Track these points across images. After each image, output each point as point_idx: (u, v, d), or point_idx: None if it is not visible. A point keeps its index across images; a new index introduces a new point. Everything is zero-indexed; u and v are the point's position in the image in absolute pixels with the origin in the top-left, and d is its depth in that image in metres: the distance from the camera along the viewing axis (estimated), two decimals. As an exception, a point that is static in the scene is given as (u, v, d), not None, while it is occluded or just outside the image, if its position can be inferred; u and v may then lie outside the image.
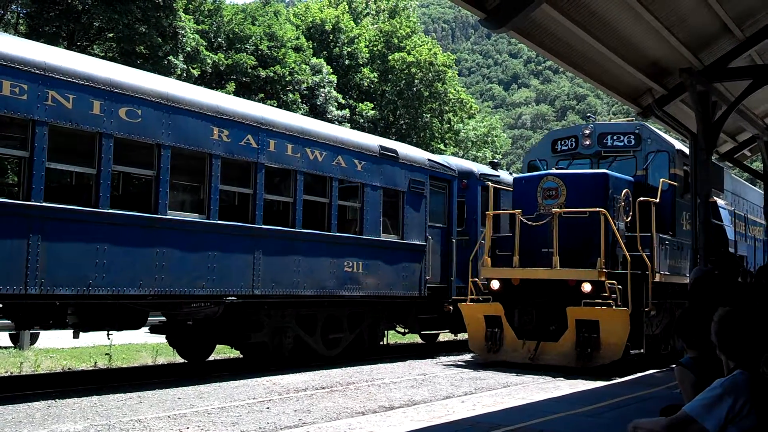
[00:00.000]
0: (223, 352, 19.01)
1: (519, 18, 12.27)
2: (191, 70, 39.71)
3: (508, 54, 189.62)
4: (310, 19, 52.33)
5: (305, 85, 44.92)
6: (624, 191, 17.01)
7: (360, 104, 49.85)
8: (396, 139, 29.92)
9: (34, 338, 20.64)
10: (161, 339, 18.01)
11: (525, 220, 17.26)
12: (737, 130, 23.58)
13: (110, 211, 12.68)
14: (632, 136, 18.99)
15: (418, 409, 11.29)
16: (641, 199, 16.94)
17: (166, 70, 35.73)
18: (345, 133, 18.69)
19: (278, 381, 14.13)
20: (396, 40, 54.28)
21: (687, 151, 18.50)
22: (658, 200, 17.00)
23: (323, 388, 13.41)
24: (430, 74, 53.80)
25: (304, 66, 45.52)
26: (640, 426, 4.90)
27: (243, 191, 15.68)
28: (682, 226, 18.34)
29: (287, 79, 43.94)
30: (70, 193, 14.94)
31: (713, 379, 4.73)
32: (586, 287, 15.88)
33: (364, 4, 58.46)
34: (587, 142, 19.63)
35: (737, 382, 4.53)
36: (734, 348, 4.74)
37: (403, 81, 53.29)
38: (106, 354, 17.27)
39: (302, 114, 34.76)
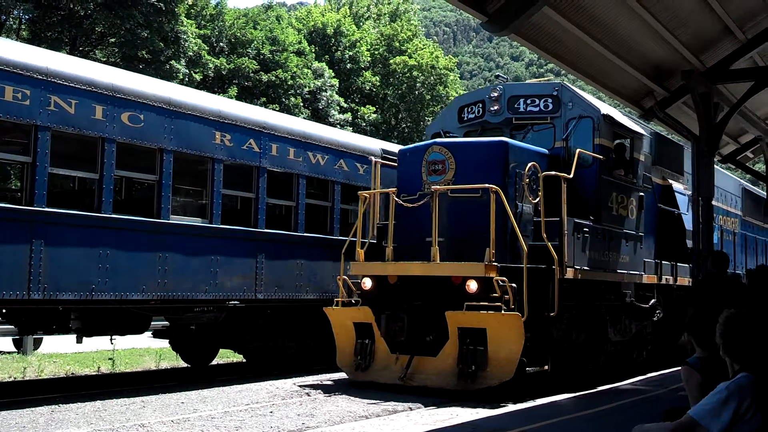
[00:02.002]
0: (226, 356, 19.00)
1: (520, 21, 12.47)
2: (193, 74, 40.18)
3: (509, 57, 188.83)
4: (312, 23, 53.12)
5: (307, 89, 45.28)
6: (530, 165, 13.65)
7: (362, 108, 50.66)
8: (398, 143, 29.98)
9: (37, 343, 20.69)
10: (164, 344, 18.00)
11: (400, 202, 14.23)
12: (739, 131, 23.48)
13: (113, 216, 12.82)
14: (549, 100, 15.67)
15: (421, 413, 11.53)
16: (545, 174, 13.70)
17: (168, 75, 36.19)
18: (347, 137, 19.06)
19: (281, 385, 14.29)
20: (397, 44, 54.82)
21: (620, 117, 16.15)
22: (571, 176, 13.91)
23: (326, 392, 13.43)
24: (431, 77, 54.75)
25: (306, 70, 45.96)
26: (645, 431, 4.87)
27: (245, 195, 15.86)
28: (612, 210, 15.25)
29: (289, 83, 44.36)
30: (73, 198, 15.29)
31: (721, 379, 4.76)
32: (472, 286, 12.82)
33: (365, 8, 58.73)
34: (495, 108, 16.13)
35: (742, 385, 4.55)
36: (739, 350, 4.77)
37: (405, 84, 54.36)
38: (110, 359, 17.44)
39: (304, 118, 34.80)
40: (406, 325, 13.35)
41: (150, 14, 36.80)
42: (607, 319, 15.03)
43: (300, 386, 13.80)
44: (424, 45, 55.76)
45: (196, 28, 42.06)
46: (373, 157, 15.88)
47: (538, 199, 13.51)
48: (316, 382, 14.54)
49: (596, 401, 12.57)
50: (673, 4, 14.63)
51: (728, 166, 27.26)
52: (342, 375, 14.95)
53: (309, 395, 13.07)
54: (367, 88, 52.03)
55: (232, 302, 14.69)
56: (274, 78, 44.05)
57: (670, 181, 18.92)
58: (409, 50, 54.00)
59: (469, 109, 16.59)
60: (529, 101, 15.81)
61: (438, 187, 13.51)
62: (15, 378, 15.22)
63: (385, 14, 58.37)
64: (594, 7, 13.69)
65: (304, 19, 54.37)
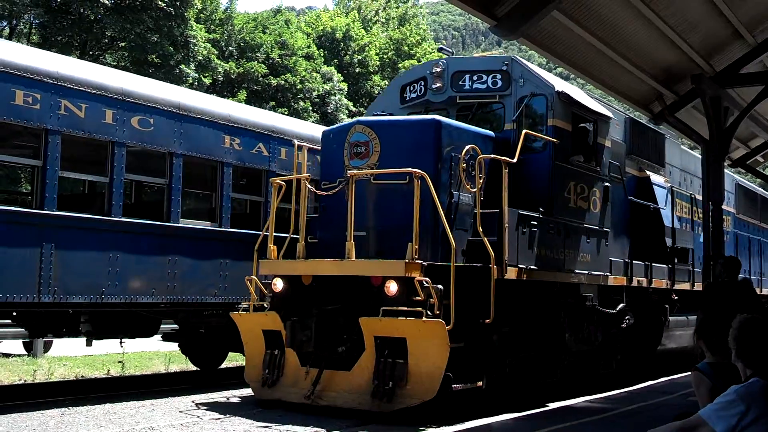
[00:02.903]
0: (235, 359, 19.03)
1: (529, 25, 12.33)
2: (203, 78, 39.56)
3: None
4: (321, 28, 51.88)
5: (316, 93, 44.62)
6: (468, 149, 11.53)
7: (371, 112, 49.34)
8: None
9: (47, 346, 20.43)
10: (174, 347, 17.92)
11: (312, 189, 12.36)
12: (750, 136, 22.90)
13: (123, 219, 12.62)
14: (498, 76, 13.39)
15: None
16: (483, 157, 11.60)
17: (178, 79, 35.51)
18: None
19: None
20: (406, 48, 53.86)
21: (580, 96, 13.82)
22: (514, 160, 11.86)
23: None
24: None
25: (314, 74, 45.04)
26: None
27: (254, 199, 15.47)
28: (568, 201, 12.99)
29: (298, 87, 43.57)
30: (83, 201, 15.00)
31: (731, 385, 4.66)
32: (391, 288, 10.70)
33: (374, 13, 58.45)
34: (437, 85, 13.80)
35: (753, 390, 4.48)
36: (753, 355, 4.70)
37: (414, 88, 52.82)
38: (119, 362, 17.00)
39: (313, 122, 34.81)
40: (313, 334, 11.11)
41: (160, 19, 36.26)
42: (564, 327, 12.83)
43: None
44: (432, 49, 55.12)
45: (206, 32, 41.14)
46: (296, 140, 13.81)
47: (477, 188, 11.42)
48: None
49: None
50: (682, 8, 14.36)
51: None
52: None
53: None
54: (376, 92, 51.75)
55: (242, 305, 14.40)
56: (283, 82, 42.97)
57: (648, 172, 16.68)
58: (417, 54, 53.48)
59: (411, 88, 14.29)
60: (475, 78, 13.55)
61: (354, 171, 11.37)
62: (25, 381, 14.98)
63: (393, 18, 57.31)
64: (603, 11, 13.48)
65: (313, 23, 53.11)
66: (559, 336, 12.88)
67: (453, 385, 10.64)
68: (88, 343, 15.61)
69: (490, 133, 12.96)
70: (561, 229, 12.72)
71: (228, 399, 12.70)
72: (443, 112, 13.39)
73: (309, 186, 12.16)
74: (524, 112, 13.13)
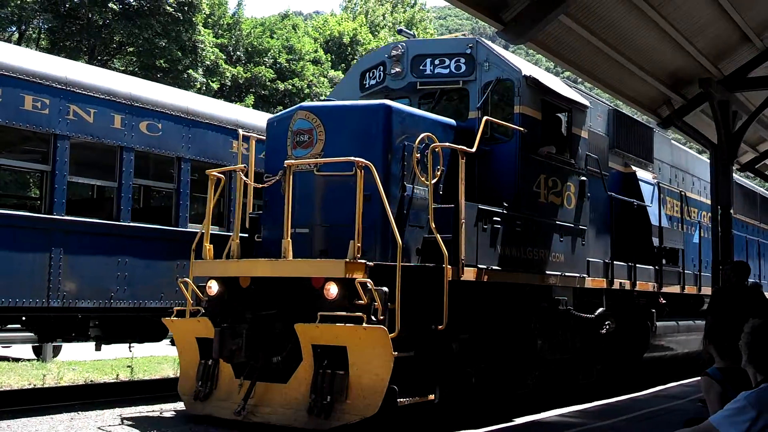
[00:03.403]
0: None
1: (536, 29, 11.80)
2: (210, 83, 38.81)
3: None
4: (328, 32, 50.51)
5: (324, 97, 43.71)
6: (423, 137, 9.91)
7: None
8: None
9: (56, 351, 19.98)
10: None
11: (247, 180, 10.82)
12: (758, 140, 22.24)
13: (132, 224, 12.25)
14: (462, 59, 11.73)
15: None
16: (437, 145, 9.93)
17: (186, 84, 35.00)
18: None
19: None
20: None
21: (552, 82, 12.15)
22: (473, 149, 10.29)
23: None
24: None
25: (322, 78, 43.95)
26: None
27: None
28: (538, 196, 11.37)
29: (306, 91, 42.41)
30: (92, 206, 14.54)
31: (742, 390, 4.52)
32: (332, 290, 9.19)
33: (381, 17, 57.11)
34: (396, 70, 12.05)
35: (764, 396, 4.31)
36: (764, 360, 4.58)
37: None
38: (128, 366, 16.36)
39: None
40: (244, 342, 9.53)
41: (168, 24, 35.94)
42: (536, 333, 11.33)
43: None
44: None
45: (214, 37, 40.34)
46: (242, 130, 12.23)
47: (435, 180, 9.98)
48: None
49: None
50: (690, 12, 13.80)
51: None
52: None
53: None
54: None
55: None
56: (290, 87, 41.99)
57: (634, 168, 14.99)
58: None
59: (371, 74, 12.56)
60: (437, 62, 11.89)
61: (291, 162, 9.79)
62: (35, 385, 14.44)
63: (401, 23, 56.06)
64: (611, 15, 12.94)
65: (320, 27, 51.93)
66: (530, 343, 11.36)
67: (399, 399, 9.10)
68: (97, 348, 15.16)
69: (451, 121, 11.31)
70: (530, 227, 11.12)
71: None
72: (405, 101, 11.85)
73: (244, 178, 10.58)
74: (489, 98, 11.50)
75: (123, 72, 31.60)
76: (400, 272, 9.06)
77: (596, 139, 13.66)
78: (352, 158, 9.41)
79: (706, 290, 16.50)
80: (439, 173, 10.10)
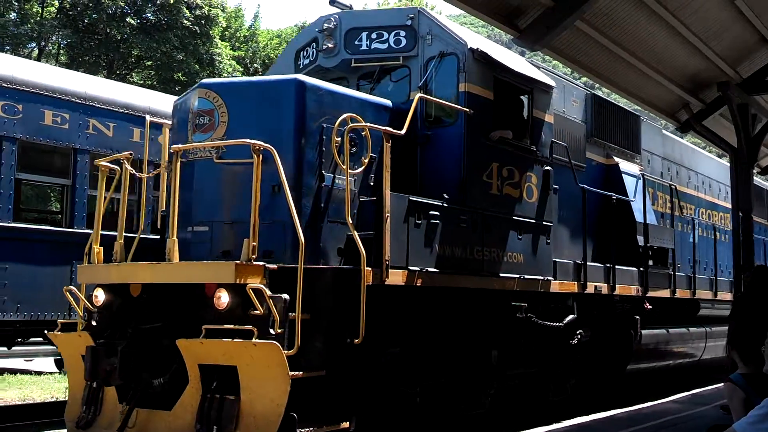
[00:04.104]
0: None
1: (552, 35, 11.09)
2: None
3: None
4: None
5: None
6: (345, 118, 7.93)
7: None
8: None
9: None
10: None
11: (132, 170, 8.65)
12: None
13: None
14: (402, 33, 9.72)
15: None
16: (353, 126, 7.99)
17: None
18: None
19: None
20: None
21: (506, 57, 9.94)
22: (402, 132, 8.27)
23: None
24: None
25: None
26: None
27: None
28: (489, 187, 9.28)
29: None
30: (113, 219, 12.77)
31: (766, 396, 4.19)
32: (222, 299, 7.18)
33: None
34: (328, 45, 9.95)
35: None
36: None
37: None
38: None
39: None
40: (119, 362, 7.50)
41: (185, 37, 35.01)
42: (490, 345, 9.36)
43: None
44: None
45: (231, 49, 39.15)
46: (149, 116, 10.17)
47: (362, 169, 8.15)
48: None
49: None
50: (707, 16, 13.00)
51: (721, 153, 22.57)
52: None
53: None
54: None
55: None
56: None
57: (618, 159, 12.83)
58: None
59: (305, 53, 10.46)
60: (374, 36, 9.82)
61: (177, 147, 7.84)
62: (57, 398, 13.45)
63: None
64: (627, 20, 12.20)
65: None
66: (484, 357, 9.35)
67: (299, 430, 7.11)
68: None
69: (385, 102, 9.27)
70: (478, 222, 9.03)
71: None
72: (342, 82, 9.85)
73: (129, 168, 8.52)
74: (432, 76, 9.45)
75: (141, 86, 30.65)
76: (302, 276, 7.09)
77: (569, 127, 11.62)
78: (248, 140, 7.44)
79: (703, 294, 14.24)
80: (367, 161, 8.17)
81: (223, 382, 7.14)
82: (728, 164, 16.97)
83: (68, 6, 34.97)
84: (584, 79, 25.14)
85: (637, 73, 13.73)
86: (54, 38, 35.96)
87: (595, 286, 11.03)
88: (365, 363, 7.83)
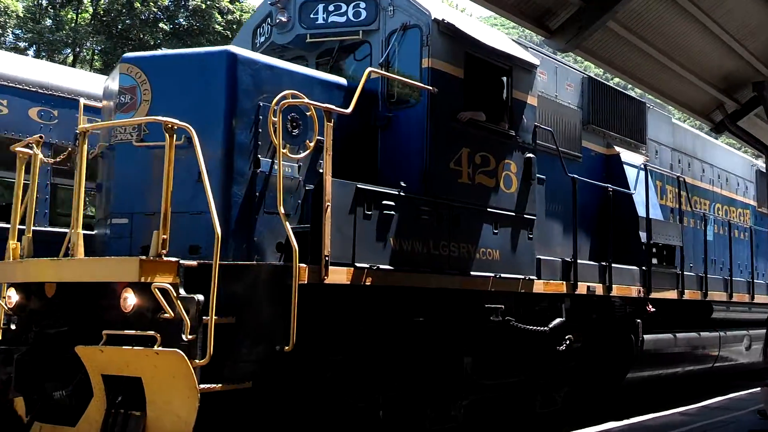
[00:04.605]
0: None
1: (584, 36, 10.27)
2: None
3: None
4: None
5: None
6: (286, 95, 6.76)
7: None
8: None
9: None
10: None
11: (44, 158, 7.68)
12: None
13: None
14: (361, 4, 8.36)
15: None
16: (288, 103, 6.75)
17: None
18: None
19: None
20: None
21: (475, 31, 8.39)
22: (348, 111, 7.01)
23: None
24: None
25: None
26: None
27: None
28: (458, 174, 7.91)
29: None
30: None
31: None
32: (129, 300, 5.97)
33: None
34: (281, 19, 8.54)
35: None
36: None
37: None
38: None
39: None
40: (15, 372, 6.35)
41: (217, 42, 33.57)
42: (463, 351, 8.08)
43: None
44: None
45: (261, 54, 38.69)
46: (83, 100, 8.24)
47: (306, 153, 6.90)
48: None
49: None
50: (742, 15, 11.82)
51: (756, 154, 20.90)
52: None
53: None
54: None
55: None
56: None
57: (619, 149, 11.38)
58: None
59: (261, 30, 9.14)
60: (331, 8, 8.48)
61: (85, 126, 6.74)
62: None
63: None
64: (659, 20, 11.22)
65: None
66: (454, 365, 8.04)
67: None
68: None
69: (339, 80, 7.94)
70: (444, 214, 7.68)
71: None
72: (301, 61, 8.56)
73: (38, 153, 7.22)
74: (395, 52, 8.05)
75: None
76: (217, 274, 5.91)
77: (562, 112, 10.28)
78: (160, 118, 6.24)
79: (716, 295, 12.60)
80: (313, 144, 6.89)
81: (129, 396, 5.99)
82: (748, 157, 15.48)
83: (102, 12, 34.37)
84: (617, 79, 23.89)
85: (670, 73, 12.63)
86: (88, 44, 35.22)
87: (588, 287, 9.55)
88: (304, 373, 6.60)
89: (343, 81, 7.85)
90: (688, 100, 13.74)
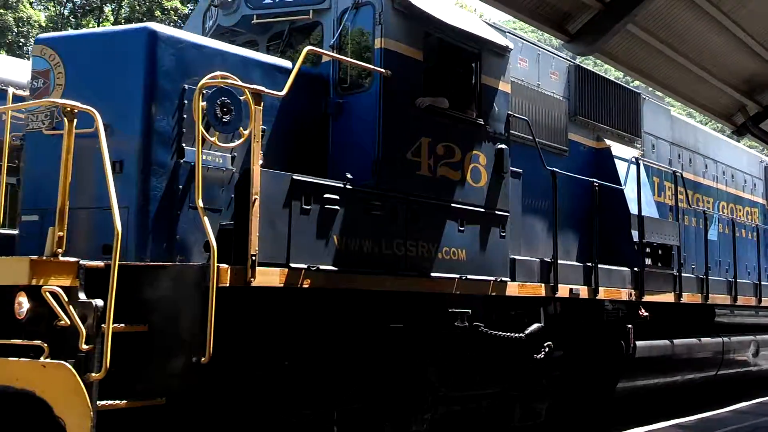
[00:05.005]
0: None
1: (603, 40, 9.77)
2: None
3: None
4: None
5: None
6: (215, 77, 5.82)
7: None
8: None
9: None
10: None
11: None
12: None
13: None
14: None
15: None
16: (208, 83, 5.71)
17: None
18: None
19: None
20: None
21: (437, 10, 7.29)
22: (282, 93, 6.08)
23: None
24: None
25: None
26: None
27: None
28: (416, 166, 6.91)
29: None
30: None
31: None
32: (23, 305, 4.98)
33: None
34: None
35: None
36: None
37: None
38: None
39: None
40: None
41: None
42: (426, 360, 7.10)
43: None
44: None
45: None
46: (12, 88, 7.13)
47: (240, 142, 5.91)
48: None
49: None
50: (763, 16, 11.08)
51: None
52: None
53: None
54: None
55: None
56: None
57: (609, 142, 10.31)
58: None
59: (210, 13, 8.12)
60: None
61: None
62: None
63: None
64: (680, 22, 10.58)
65: None
66: (416, 376, 7.05)
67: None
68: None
69: (284, 63, 6.94)
70: (399, 209, 6.69)
71: None
72: (253, 46, 7.66)
73: None
74: (347, 32, 7.10)
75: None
76: (115, 276, 4.97)
77: (545, 103, 9.30)
78: (57, 101, 5.39)
79: (718, 298, 11.38)
80: (247, 132, 5.93)
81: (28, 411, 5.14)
82: (756, 153, 14.32)
83: (123, 21, 33.94)
84: (637, 82, 23.11)
85: (691, 76, 11.89)
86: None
87: (571, 289, 8.49)
88: (230, 388, 5.67)
89: (287, 64, 6.91)
90: (709, 102, 12.98)
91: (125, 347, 5.27)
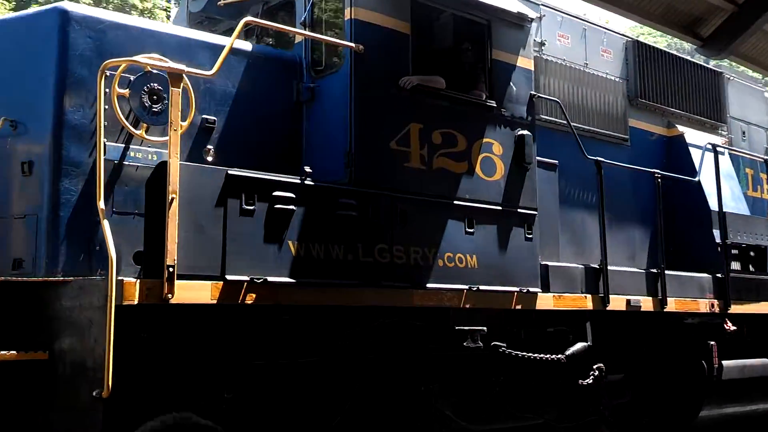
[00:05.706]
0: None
1: (738, 42, 9.49)
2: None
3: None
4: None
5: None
6: (137, 60, 4.65)
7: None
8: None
9: None
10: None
11: None
12: None
13: None
14: None
15: None
16: (111, 62, 4.53)
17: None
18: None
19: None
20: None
21: None
22: (210, 73, 4.77)
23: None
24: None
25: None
26: None
27: None
28: (404, 157, 5.42)
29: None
30: None
31: None
32: None
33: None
34: None
35: None
36: None
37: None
38: None
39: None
40: None
41: None
42: (432, 388, 5.58)
43: None
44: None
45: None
46: None
47: (181, 132, 4.64)
48: None
49: None
50: None
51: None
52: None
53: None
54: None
55: None
56: None
57: (682, 128, 8.31)
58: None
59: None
60: None
61: None
62: None
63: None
64: None
65: None
66: (424, 408, 5.57)
67: None
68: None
69: (243, 46, 5.62)
70: (382, 208, 5.27)
71: None
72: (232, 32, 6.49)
73: None
74: (321, 8, 5.78)
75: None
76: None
77: (596, 85, 7.59)
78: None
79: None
80: (187, 124, 4.90)
81: None
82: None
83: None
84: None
85: None
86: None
87: (629, 301, 6.67)
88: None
89: (246, 46, 5.66)
90: None
91: (21, 379, 4.20)
